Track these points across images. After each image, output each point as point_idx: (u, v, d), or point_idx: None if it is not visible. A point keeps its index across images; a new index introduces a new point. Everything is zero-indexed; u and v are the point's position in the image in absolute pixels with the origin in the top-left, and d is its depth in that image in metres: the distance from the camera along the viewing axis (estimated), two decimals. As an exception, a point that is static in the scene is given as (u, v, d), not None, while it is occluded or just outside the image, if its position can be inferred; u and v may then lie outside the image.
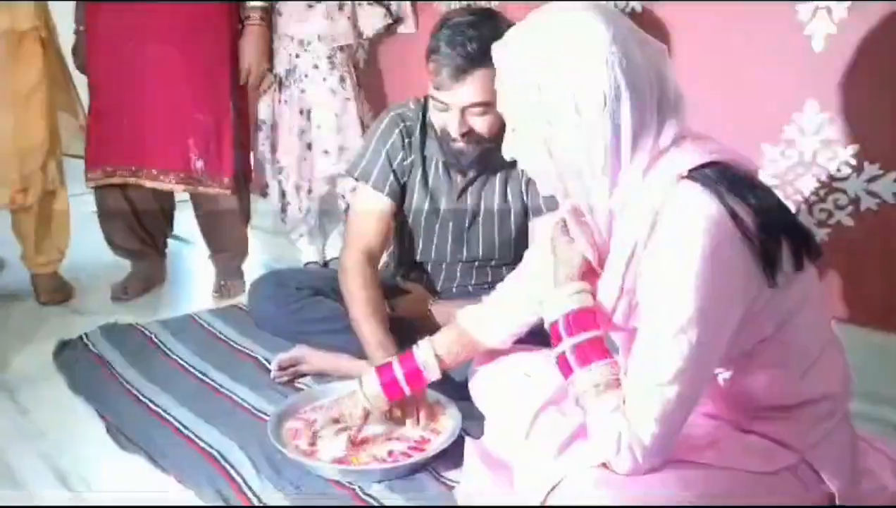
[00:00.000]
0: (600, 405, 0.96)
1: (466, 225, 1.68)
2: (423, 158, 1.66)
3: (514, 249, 1.66)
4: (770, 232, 0.91)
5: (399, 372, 1.33)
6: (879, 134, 1.59)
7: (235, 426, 1.50)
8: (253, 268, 2.52)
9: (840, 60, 1.60)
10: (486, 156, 1.54)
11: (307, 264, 2.61)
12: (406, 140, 1.65)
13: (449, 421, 1.43)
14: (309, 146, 2.43)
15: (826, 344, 1.02)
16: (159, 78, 2.19)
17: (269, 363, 1.74)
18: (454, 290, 1.73)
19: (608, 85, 0.92)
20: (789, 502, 0.98)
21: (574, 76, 0.93)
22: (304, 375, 1.71)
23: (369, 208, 1.66)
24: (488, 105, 1.42)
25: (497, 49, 1.00)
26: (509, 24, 1.38)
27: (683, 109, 0.98)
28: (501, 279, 1.58)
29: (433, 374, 1.33)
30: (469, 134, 1.49)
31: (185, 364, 1.82)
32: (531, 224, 1.64)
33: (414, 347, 1.35)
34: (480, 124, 1.48)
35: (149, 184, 2.29)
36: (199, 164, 2.25)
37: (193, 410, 1.58)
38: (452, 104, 1.46)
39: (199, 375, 1.76)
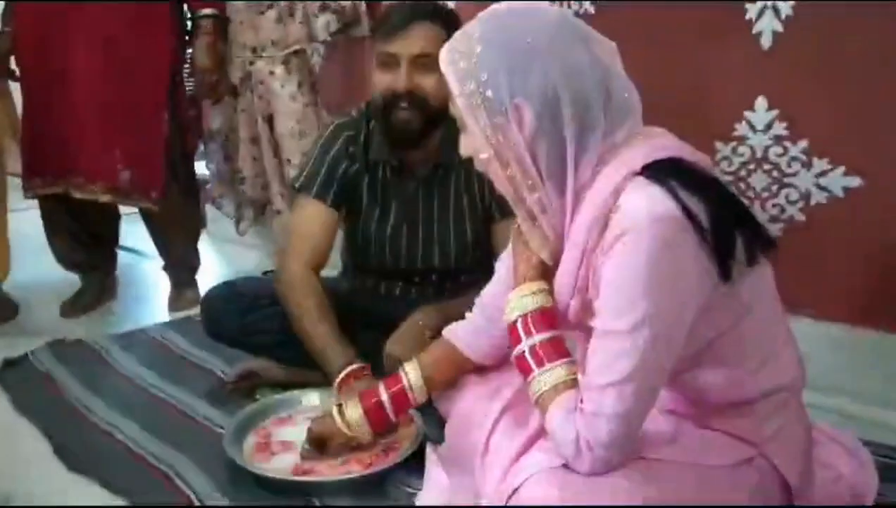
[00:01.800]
0: (558, 406, 0.95)
1: (420, 231, 1.64)
2: (369, 166, 1.62)
3: (474, 255, 1.64)
4: (723, 226, 0.91)
5: (385, 396, 1.27)
6: (827, 130, 1.62)
7: (191, 442, 1.46)
8: (211, 278, 2.47)
9: (788, 58, 1.63)
10: (432, 128, 1.51)
11: (266, 272, 2.55)
12: (350, 149, 1.61)
13: (410, 428, 1.40)
14: (276, 154, 2.39)
15: (780, 337, 1.03)
16: (88, 84, 2.11)
17: (226, 375, 1.70)
18: (413, 299, 1.69)
19: (548, 88, 0.92)
20: (747, 494, 0.98)
21: (514, 79, 0.93)
22: (262, 386, 1.66)
23: (312, 218, 1.61)
24: (435, 64, 1.42)
25: (443, 51, 1.00)
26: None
27: (636, 107, 0.98)
28: (462, 287, 1.57)
29: (421, 397, 1.28)
30: (415, 93, 1.48)
31: (136, 379, 1.76)
32: (494, 229, 1.62)
33: (401, 369, 1.29)
34: (427, 82, 1.47)
35: (78, 195, 2.19)
36: (126, 175, 2.16)
37: (146, 426, 1.52)
38: (399, 55, 1.46)
39: (152, 390, 1.71)
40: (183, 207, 2.31)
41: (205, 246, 2.62)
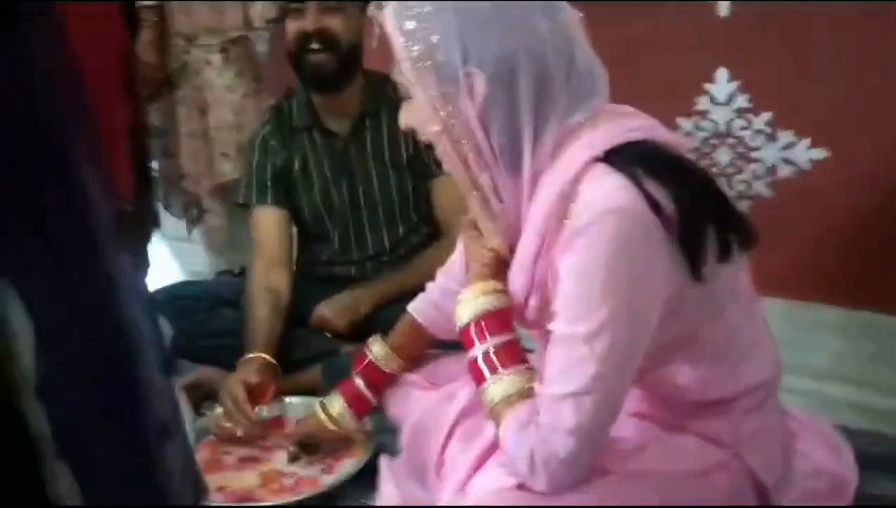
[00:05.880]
0: (512, 419, 0.86)
1: (359, 187, 1.63)
2: (294, 139, 1.63)
3: (419, 209, 1.65)
4: (694, 220, 0.82)
5: (359, 380, 1.22)
6: (791, 100, 1.56)
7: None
8: (162, 280, 2.35)
9: (746, 26, 1.56)
10: (346, 72, 1.55)
11: (220, 272, 2.44)
12: (272, 141, 1.63)
13: (361, 439, 1.32)
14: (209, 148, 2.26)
15: (757, 333, 0.95)
16: None
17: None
18: (371, 264, 1.66)
19: (505, 55, 0.83)
20: (720, 501, 0.91)
21: (468, 43, 0.84)
22: (209, 398, 1.56)
23: (261, 226, 1.64)
24: (341, 7, 1.52)
25: (389, 8, 0.89)
26: None
27: (601, 84, 0.89)
28: (412, 251, 1.65)
29: (394, 365, 1.21)
30: (324, 34, 1.51)
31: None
32: (433, 184, 1.61)
33: (364, 347, 1.24)
34: (334, 23, 1.51)
35: None
36: None
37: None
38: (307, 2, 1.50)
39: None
40: (135, 207, 2.19)
41: (157, 246, 2.50)
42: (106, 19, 2.02)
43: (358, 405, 1.23)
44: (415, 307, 1.23)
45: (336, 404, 1.24)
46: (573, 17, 0.89)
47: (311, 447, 1.30)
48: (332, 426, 1.24)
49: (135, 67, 2.12)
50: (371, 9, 0.92)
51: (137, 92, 2.16)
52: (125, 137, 2.09)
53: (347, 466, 1.28)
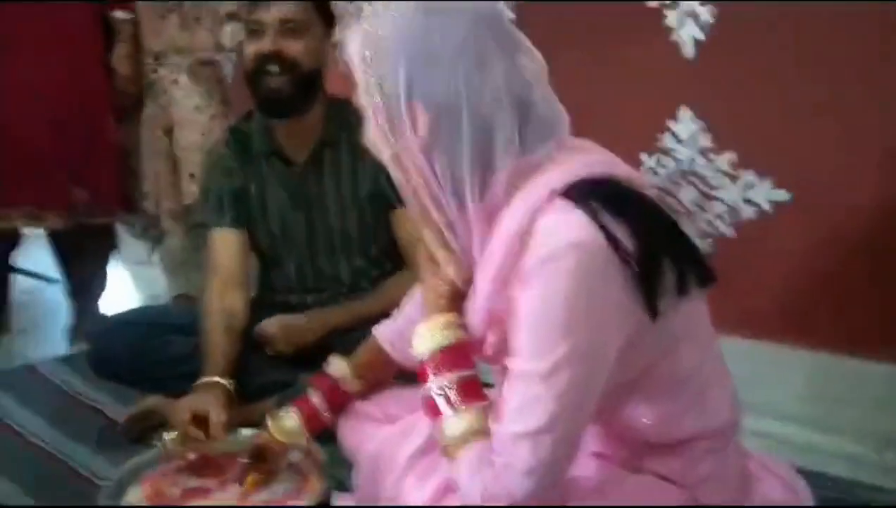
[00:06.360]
0: (467, 457, 0.84)
1: (315, 218, 1.61)
2: (253, 163, 1.61)
3: (379, 243, 1.62)
4: (651, 255, 0.82)
5: (315, 397, 1.20)
6: (754, 140, 1.58)
7: (72, 501, 1.29)
8: (119, 304, 2.31)
9: (711, 66, 1.59)
10: (305, 96, 1.52)
11: (176, 296, 2.39)
12: (230, 163, 1.61)
13: (316, 473, 1.28)
14: (174, 169, 2.23)
15: (714, 372, 0.95)
16: (28, 100, 1.97)
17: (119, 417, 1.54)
18: (329, 295, 1.63)
19: (449, 94, 0.83)
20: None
21: (414, 78, 0.84)
22: (161, 428, 1.50)
23: (217, 248, 1.60)
24: (302, 30, 1.50)
25: (353, 32, 0.89)
26: None
27: (560, 123, 0.89)
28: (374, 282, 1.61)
29: (352, 384, 1.19)
30: (282, 56, 1.49)
31: (14, 425, 1.57)
32: (394, 215, 1.58)
33: (324, 364, 1.22)
34: (293, 46, 1.49)
35: (23, 225, 2.05)
36: (82, 193, 2.04)
37: (20, 483, 1.34)
38: (266, 22, 1.49)
39: (32, 438, 1.52)
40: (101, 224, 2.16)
41: (115, 269, 2.44)
42: (85, 33, 2.03)
43: (312, 421, 1.20)
44: (379, 331, 1.22)
45: (289, 417, 1.21)
46: (534, 59, 0.89)
47: (261, 459, 1.24)
48: (281, 438, 1.20)
49: (113, 81, 2.12)
50: (338, 33, 0.92)
51: (118, 105, 2.15)
52: (114, 149, 2.09)
53: (303, 501, 1.23)
